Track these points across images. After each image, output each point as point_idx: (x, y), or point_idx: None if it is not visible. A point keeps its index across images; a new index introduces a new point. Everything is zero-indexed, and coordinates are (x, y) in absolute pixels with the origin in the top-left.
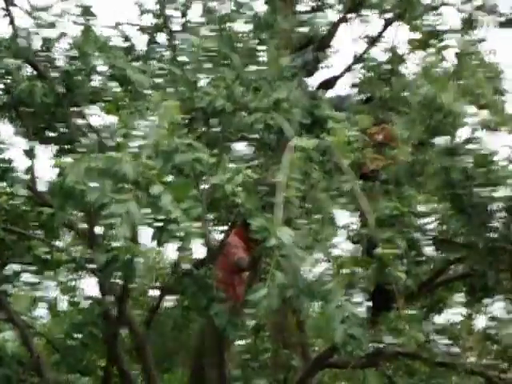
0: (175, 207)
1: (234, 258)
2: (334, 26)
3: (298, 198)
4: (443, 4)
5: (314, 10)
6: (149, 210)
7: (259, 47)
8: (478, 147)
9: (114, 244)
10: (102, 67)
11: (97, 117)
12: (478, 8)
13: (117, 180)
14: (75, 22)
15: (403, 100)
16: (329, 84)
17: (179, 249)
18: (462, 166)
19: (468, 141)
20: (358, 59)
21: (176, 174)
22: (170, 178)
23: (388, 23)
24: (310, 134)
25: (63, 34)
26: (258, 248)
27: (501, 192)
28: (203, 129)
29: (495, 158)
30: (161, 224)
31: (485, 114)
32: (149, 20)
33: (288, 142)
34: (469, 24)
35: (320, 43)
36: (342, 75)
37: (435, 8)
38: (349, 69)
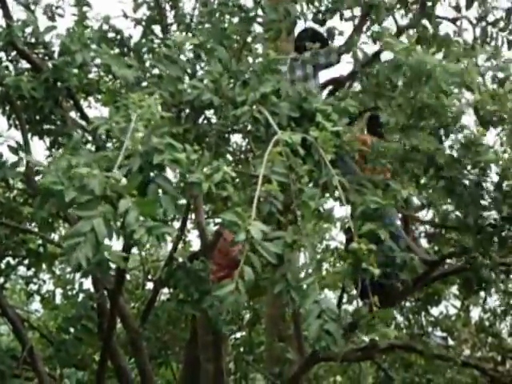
0: (140, 226)
1: (232, 254)
2: (356, 30)
3: (281, 193)
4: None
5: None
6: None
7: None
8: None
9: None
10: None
11: (93, 109)
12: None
13: (84, 193)
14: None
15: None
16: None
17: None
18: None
19: (455, 122)
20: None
21: (157, 174)
22: (140, 187)
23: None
24: (298, 127)
25: (53, 28)
26: (230, 243)
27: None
28: (192, 123)
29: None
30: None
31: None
32: (143, 12)
33: (275, 136)
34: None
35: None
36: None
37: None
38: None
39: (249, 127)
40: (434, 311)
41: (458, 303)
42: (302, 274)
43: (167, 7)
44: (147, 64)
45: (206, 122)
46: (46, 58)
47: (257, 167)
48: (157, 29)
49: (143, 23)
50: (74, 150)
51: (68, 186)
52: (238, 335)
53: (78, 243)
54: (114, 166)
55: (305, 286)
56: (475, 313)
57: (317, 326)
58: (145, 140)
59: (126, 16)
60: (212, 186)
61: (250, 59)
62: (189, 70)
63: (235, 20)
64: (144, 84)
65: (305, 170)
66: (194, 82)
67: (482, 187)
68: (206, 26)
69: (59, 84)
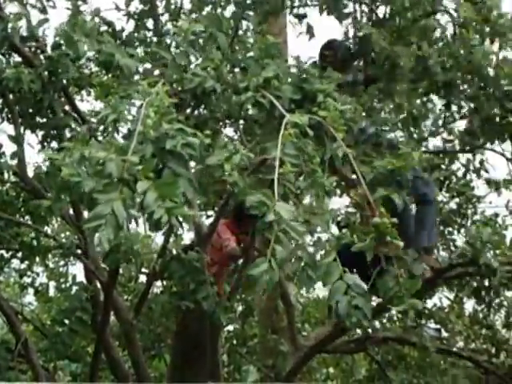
0: (159, 207)
1: (226, 249)
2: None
3: (293, 174)
4: None
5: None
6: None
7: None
8: None
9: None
10: (89, 53)
11: (85, 102)
12: None
13: (102, 177)
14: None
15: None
16: None
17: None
18: None
19: None
20: None
21: (169, 159)
22: (155, 172)
23: None
24: (300, 108)
25: (46, 20)
26: (256, 225)
27: None
28: (191, 110)
29: None
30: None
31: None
32: (136, 5)
33: (279, 120)
34: None
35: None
36: None
37: None
38: None
39: (249, 113)
40: (428, 303)
41: (451, 295)
42: (318, 253)
43: None
44: (143, 54)
45: (206, 109)
46: (38, 51)
47: (270, 150)
48: (149, 22)
49: (135, 16)
50: (83, 141)
51: (84, 176)
52: (231, 328)
53: (99, 225)
54: (127, 152)
55: (326, 264)
56: (469, 305)
57: (345, 302)
58: (155, 126)
59: (118, 9)
60: (234, 167)
61: (245, 46)
62: (192, 58)
63: (229, 8)
64: (149, 71)
65: (313, 150)
66: (195, 69)
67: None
68: (199, 14)
69: (55, 77)
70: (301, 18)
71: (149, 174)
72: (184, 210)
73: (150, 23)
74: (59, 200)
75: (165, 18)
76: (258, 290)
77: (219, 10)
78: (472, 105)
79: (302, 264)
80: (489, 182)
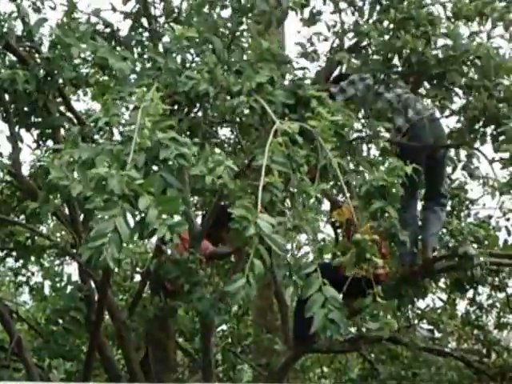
0: (161, 224)
1: (206, 253)
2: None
3: (281, 182)
4: None
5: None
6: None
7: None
8: None
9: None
10: (83, 54)
11: (81, 103)
12: None
13: (103, 193)
14: (53, 8)
15: None
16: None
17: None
18: None
19: None
20: None
21: (161, 167)
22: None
23: None
24: (294, 114)
25: (44, 20)
26: (237, 238)
27: None
28: (186, 114)
29: None
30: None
31: None
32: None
33: (272, 124)
34: None
35: None
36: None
37: None
38: None
39: (241, 117)
40: (421, 304)
41: (444, 296)
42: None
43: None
44: (145, 56)
45: (199, 112)
46: (33, 51)
47: (257, 157)
48: (145, 22)
49: (132, 17)
50: (73, 143)
51: (73, 180)
52: (226, 327)
53: (103, 244)
54: (121, 162)
55: (307, 274)
56: (461, 306)
57: (322, 315)
58: (149, 134)
59: (114, 9)
60: (215, 179)
61: (241, 50)
62: (187, 64)
63: (226, 12)
64: (142, 76)
65: (303, 157)
66: (189, 72)
67: None
68: (196, 18)
69: (51, 77)
70: (303, 6)
71: (150, 189)
72: (185, 224)
73: (146, 23)
74: (47, 202)
75: (162, 19)
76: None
77: (216, 14)
78: (462, 101)
79: (288, 271)
80: (471, 175)
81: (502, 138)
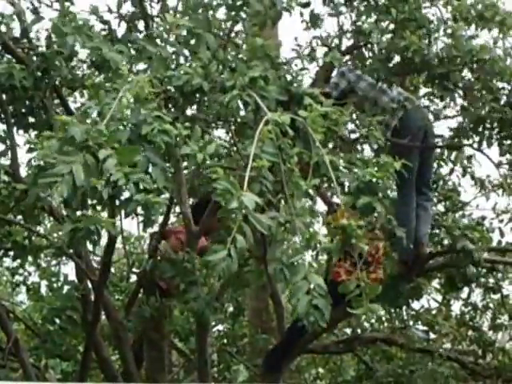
0: (117, 171)
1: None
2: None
3: (271, 173)
4: None
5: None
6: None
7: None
8: None
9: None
10: (81, 51)
11: (78, 104)
12: None
13: (64, 142)
14: (49, 6)
15: None
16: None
17: (144, 223)
18: None
19: None
20: None
21: (146, 147)
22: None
23: None
24: (287, 110)
25: (40, 18)
26: (220, 211)
27: None
28: (181, 111)
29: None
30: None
31: None
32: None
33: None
34: None
35: None
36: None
37: None
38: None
39: (235, 114)
40: (416, 305)
41: (439, 297)
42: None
43: None
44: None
45: (195, 108)
46: (31, 52)
47: (247, 147)
48: (140, 24)
49: (127, 19)
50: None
51: (61, 160)
52: (221, 327)
53: (53, 182)
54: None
55: (295, 263)
56: (456, 307)
57: (306, 301)
58: (134, 113)
59: (110, 11)
60: (206, 156)
61: (236, 46)
62: (180, 57)
63: (221, 10)
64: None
65: (294, 151)
66: (183, 67)
67: None
68: (191, 14)
69: (48, 75)
70: (304, 6)
71: (114, 145)
72: (140, 176)
73: (141, 25)
74: (35, 184)
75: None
76: (215, 275)
77: (211, 12)
78: (465, 103)
79: (280, 265)
80: (473, 177)
81: (507, 142)
